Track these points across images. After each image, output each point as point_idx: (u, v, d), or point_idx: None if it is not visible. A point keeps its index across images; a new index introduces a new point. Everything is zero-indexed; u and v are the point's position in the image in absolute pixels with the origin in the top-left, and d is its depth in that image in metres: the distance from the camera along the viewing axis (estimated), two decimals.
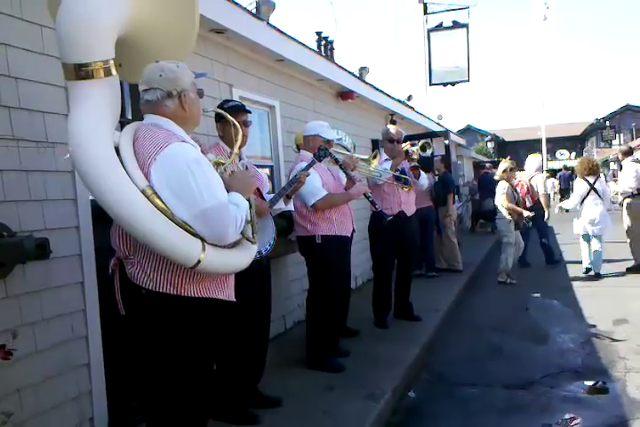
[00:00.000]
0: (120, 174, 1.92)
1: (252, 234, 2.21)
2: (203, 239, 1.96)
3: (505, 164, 7.95)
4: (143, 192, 1.91)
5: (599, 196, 7.69)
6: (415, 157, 5.21)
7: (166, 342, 2.10)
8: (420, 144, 5.28)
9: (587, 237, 7.86)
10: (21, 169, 2.62)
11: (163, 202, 1.93)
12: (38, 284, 2.65)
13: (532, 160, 9.24)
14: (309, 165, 3.78)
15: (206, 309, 2.14)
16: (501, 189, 7.68)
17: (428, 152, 5.35)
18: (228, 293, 2.25)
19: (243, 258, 2.16)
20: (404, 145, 5.20)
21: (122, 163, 1.97)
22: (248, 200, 2.18)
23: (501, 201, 7.60)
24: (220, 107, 3.24)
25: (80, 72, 2.02)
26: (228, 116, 2.42)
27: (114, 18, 2.11)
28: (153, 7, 2.26)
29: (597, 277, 7.74)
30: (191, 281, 2.08)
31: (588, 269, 7.92)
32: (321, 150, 3.89)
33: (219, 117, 3.28)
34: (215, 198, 1.95)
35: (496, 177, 8.28)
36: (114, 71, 2.10)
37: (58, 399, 2.74)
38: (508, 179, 7.79)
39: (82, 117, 2.00)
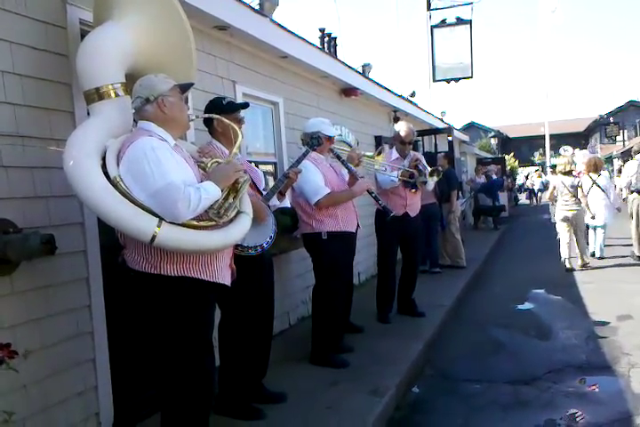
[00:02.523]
0: (90, 168, 2.27)
1: (221, 215, 2.35)
2: (161, 218, 2.20)
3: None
4: (114, 179, 2.23)
5: (602, 190, 8.48)
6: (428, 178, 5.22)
7: (154, 317, 2.40)
8: (430, 170, 5.22)
9: (593, 227, 8.78)
10: (26, 166, 2.63)
11: (126, 186, 2.22)
12: (44, 280, 2.67)
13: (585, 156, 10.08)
14: (301, 158, 3.77)
15: (186, 287, 2.36)
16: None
17: (435, 179, 5.30)
18: (210, 274, 2.42)
19: (212, 239, 2.33)
20: (415, 157, 5.18)
21: (104, 159, 2.32)
22: (235, 191, 2.42)
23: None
24: (216, 103, 3.26)
25: (98, 94, 2.55)
26: (225, 120, 2.70)
27: (116, 48, 2.61)
28: (152, 40, 2.73)
29: (600, 259, 8.67)
30: (169, 262, 2.33)
31: (593, 254, 8.79)
32: (313, 139, 3.87)
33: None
34: (164, 179, 2.19)
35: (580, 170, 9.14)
36: (121, 92, 2.59)
37: (64, 395, 2.75)
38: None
39: (79, 127, 2.53)
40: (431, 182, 5.26)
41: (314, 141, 3.86)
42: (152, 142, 2.29)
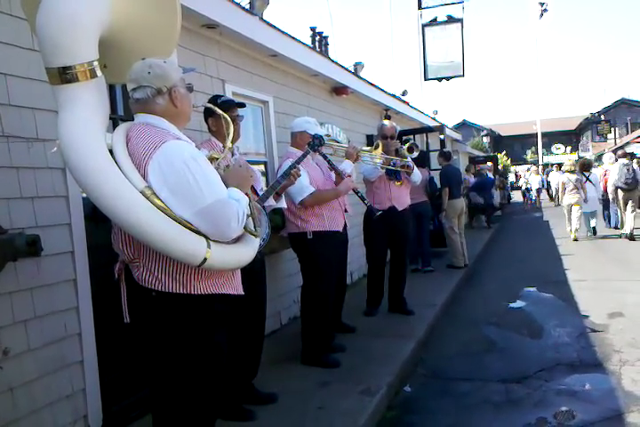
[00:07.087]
0: (117, 177, 1.87)
1: (255, 227, 2.19)
2: (206, 237, 1.93)
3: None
4: (142, 193, 1.86)
5: (593, 184, 11.17)
6: (408, 154, 5.24)
7: (181, 343, 2.05)
8: (406, 146, 5.27)
9: (585, 214, 11.36)
10: (12, 166, 2.60)
11: (162, 202, 1.88)
12: (30, 281, 2.64)
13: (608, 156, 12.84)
14: (302, 158, 3.75)
15: (217, 305, 2.12)
16: None
17: (415, 154, 5.33)
18: (235, 287, 2.21)
19: (247, 252, 2.13)
20: (394, 143, 5.24)
21: (117, 164, 1.92)
22: (246, 194, 2.13)
23: None
24: (211, 102, 3.22)
25: (65, 75, 1.95)
26: (218, 110, 2.37)
27: (95, 18, 2.03)
28: (133, 6, 2.20)
29: (594, 233, 11.44)
30: (200, 279, 2.04)
31: (594, 230, 11.50)
32: (315, 139, 3.83)
33: (210, 113, 3.24)
34: (215, 195, 1.92)
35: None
36: (99, 73, 2.03)
37: (51, 398, 2.73)
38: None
39: (72, 122, 1.94)
40: (417, 173, 5.29)
41: (315, 142, 3.82)
42: (189, 149, 1.98)
